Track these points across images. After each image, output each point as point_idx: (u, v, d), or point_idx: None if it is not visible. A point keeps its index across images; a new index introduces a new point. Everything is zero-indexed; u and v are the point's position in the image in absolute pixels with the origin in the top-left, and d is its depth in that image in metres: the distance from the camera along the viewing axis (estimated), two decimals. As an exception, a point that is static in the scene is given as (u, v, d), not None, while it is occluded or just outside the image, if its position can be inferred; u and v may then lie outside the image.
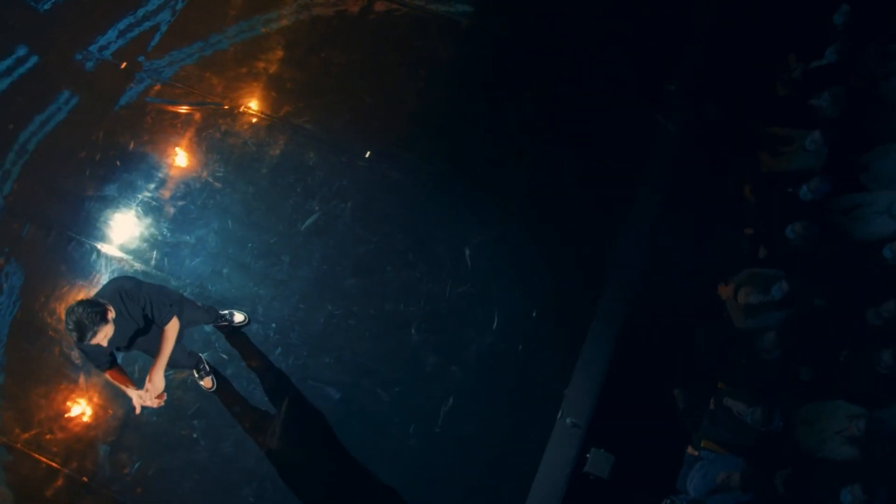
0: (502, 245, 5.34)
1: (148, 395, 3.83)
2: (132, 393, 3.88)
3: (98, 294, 3.67)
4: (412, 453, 4.80)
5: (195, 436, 4.91)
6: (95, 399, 5.00)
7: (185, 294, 4.82)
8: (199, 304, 4.68)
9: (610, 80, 5.85)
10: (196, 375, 4.91)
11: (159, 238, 5.45)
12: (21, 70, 6.04)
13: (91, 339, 3.42)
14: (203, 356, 4.96)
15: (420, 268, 5.30)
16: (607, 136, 5.66)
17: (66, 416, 4.98)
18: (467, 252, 5.33)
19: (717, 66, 5.85)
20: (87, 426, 4.95)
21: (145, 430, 4.92)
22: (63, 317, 4.86)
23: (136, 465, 4.85)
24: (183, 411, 4.97)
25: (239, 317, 5.07)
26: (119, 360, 4.03)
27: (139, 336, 3.86)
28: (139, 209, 5.54)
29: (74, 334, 3.39)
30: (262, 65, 6.01)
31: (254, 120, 5.81)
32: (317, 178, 5.61)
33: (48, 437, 4.95)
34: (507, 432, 4.84)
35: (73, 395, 5.01)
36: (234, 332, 5.08)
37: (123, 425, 4.95)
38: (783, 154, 5.96)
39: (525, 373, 4.99)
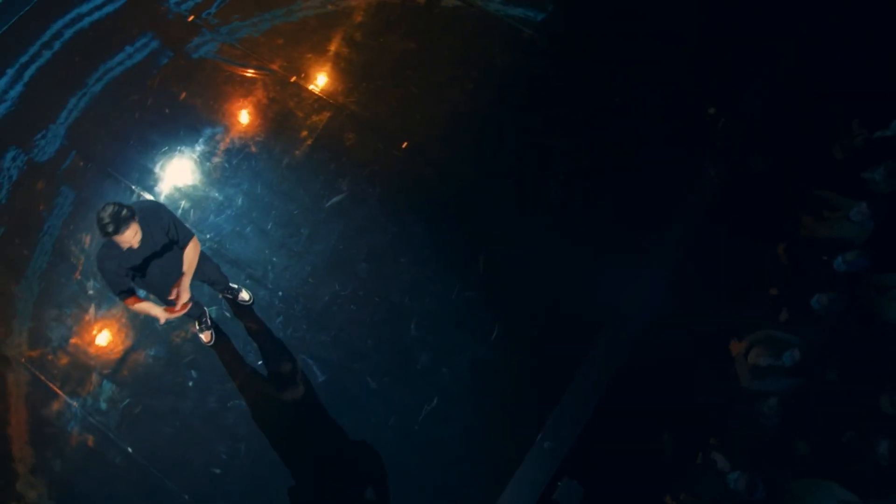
0: (518, 259, 5.30)
1: (174, 310, 3.96)
2: (157, 311, 3.97)
3: None
4: (387, 445, 4.82)
5: (185, 385, 5.03)
6: (100, 332, 5.18)
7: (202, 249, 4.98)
8: (216, 262, 4.81)
9: (661, 113, 5.74)
10: (197, 327, 5.04)
11: (190, 189, 5.60)
12: (109, 9, 6.28)
13: (124, 231, 3.52)
14: (208, 311, 5.08)
15: (432, 266, 5.31)
16: (647, 170, 5.56)
17: (70, 342, 5.17)
18: (482, 259, 5.32)
19: (772, 117, 5.68)
20: (88, 355, 5.13)
21: (140, 371, 5.07)
22: (87, 245, 5.08)
23: (125, 402, 5.00)
24: (178, 359, 5.10)
25: (245, 295, 5.17)
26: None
27: (155, 260, 3.95)
28: (177, 158, 5.71)
29: (110, 226, 3.48)
30: (321, 41, 6.11)
31: (302, 93, 5.91)
32: (351, 159, 5.67)
33: (50, 357, 5.15)
34: (483, 443, 4.81)
35: (81, 324, 5.20)
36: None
37: (121, 361, 5.11)
38: (826, 220, 5.75)
39: (513, 389, 4.95)
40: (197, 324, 5.03)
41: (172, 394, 5.02)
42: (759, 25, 5.97)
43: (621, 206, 5.44)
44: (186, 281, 4.02)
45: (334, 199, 5.52)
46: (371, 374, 5.02)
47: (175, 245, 4.02)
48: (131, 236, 3.61)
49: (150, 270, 4.00)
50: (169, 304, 4.09)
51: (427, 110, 5.82)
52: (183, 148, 5.75)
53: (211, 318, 5.09)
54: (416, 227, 5.43)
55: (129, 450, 4.87)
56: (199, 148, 5.75)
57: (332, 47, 6.09)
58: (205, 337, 5.06)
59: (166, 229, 3.92)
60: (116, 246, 3.70)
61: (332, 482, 4.74)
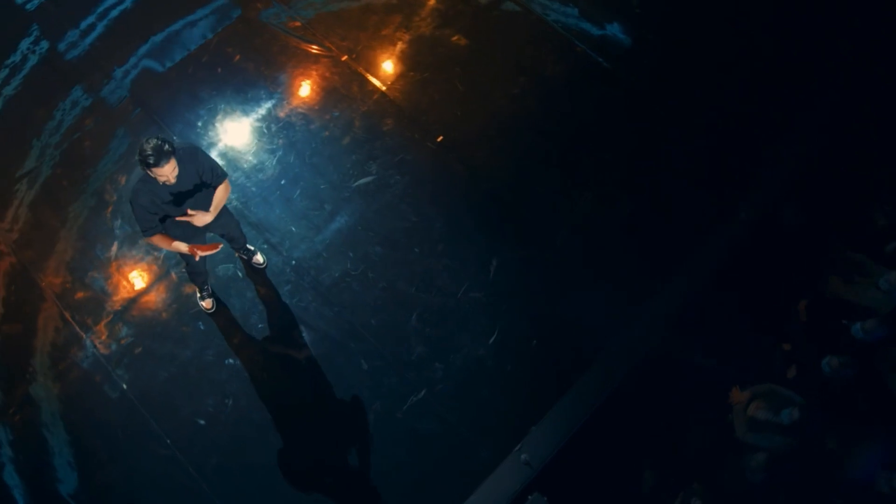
0: (530, 269, 5.30)
1: (197, 247, 4.11)
2: (181, 246, 4.11)
3: None
4: (367, 427, 4.87)
5: (187, 335, 5.18)
6: (119, 269, 5.37)
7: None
8: (237, 220, 4.94)
9: (704, 150, 5.65)
10: (198, 295, 5.16)
11: (227, 148, 5.76)
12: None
13: (163, 165, 3.66)
14: (223, 268, 5.23)
15: (444, 261, 5.34)
16: (678, 204, 5.48)
17: (89, 274, 5.37)
18: (494, 263, 5.33)
19: (816, 169, 5.54)
20: (103, 290, 5.32)
21: (148, 314, 5.24)
22: (122, 184, 5.27)
23: (129, 341, 5.18)
24: (186, 309, 5.25)
25: (259, 258, 5.29)
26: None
27: (188, 200, 4.07)
28: (220, 117, 5.88)
29: (151, 158, 3.62)
30: (378, 26, 6.20)
31: (350, 73, 6.01)
32: (385, 144, 5.75)
33: (68, 286, 5.36)
34: (461, 443, 4.82)
35: (103, 261, 5.40)
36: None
37: (132, 301, 5.29)
38: (855, 284, 5.58)
39: (502, 395, 4.95)
40: (198, 291, 5.15)
41: (173, 341, 5.17)
42: (817, 74, 5.82)
43: (644, 237, 5.38)
44: (212, 214, 4.16)
45: (362, 181, 5.60)
46: (365, 355, 5.08)
47: (207, 188, 4.15)
48: (169, 171, 3.74)
49: (186, 207, 4.11)
50: (195, 241, 4.24)
51: (468, 109, 5.86)
52: (227, 108, 5.91)
53: (212, 288, 5.19)
54: (436, 220, 5.47)
55: (124, 386, 5.04)
56: (242, 110, 5.91)
57: (388, 34, 6.18)
58: (206, 304, 5.18)
59: (201, 172, 4.06)
60: (152, 181, 3.85)
61: (307, 451, 4.82)
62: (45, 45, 6.20)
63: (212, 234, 4.73)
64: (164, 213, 4.04)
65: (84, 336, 5.19)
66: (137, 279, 5.34)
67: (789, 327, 5.59)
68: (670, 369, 5.17)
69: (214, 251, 4.18)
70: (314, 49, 6.11)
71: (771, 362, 5.47)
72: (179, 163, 3.86)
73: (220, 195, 4.20)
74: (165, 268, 5.33)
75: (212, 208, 4.18)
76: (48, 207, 5.55)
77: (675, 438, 5.21)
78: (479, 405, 4.93)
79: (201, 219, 4.10)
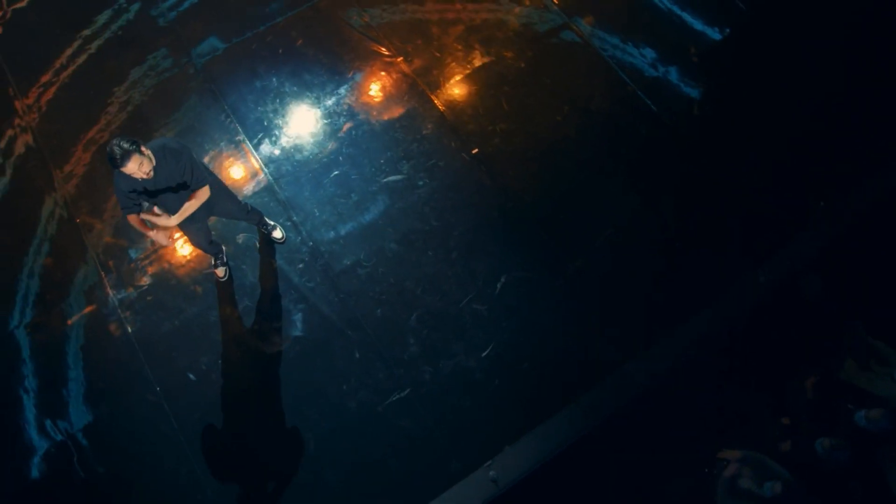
0: (537, 292, 5.30)
1: (159, 232, 4.26)
2: (150, 234, 4.28)
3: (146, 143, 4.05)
4: (347, 412, 4.95)
5: (197, 293, 5.37)
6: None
7: (256, 184, 5.37)
8: (244, 203, 5.11)
9: (731, 209, 5.57)
10: (212, 263, 5.35)
11: (271, 124, 5.98)
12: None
13: (126, 164, 3.81)
14: (240, 238, 5.42)
15: (455, 269, 5.40)
16: (697, 256, 5.41)
17: (123, 222, 5.63)
18: (503, 279, 5.36)
19: (848, 244, 5.40)
20: (131, 239, 5.57)
21: (166, 265, 5.46)
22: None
23: (143, 289, 5.40)
24: (201, 269, 5.45)
25: (278, 234, 5.46)
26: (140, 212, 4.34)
27: (168, 194, 4.22)
28: (270, 95, 6.11)
29: (115, 160, 3.77)
30: (438, 36, 6.36)
31: (402, 74, 6.18)
32: (421, 147, 5.87)
33: (99, 227, 5.63)
34: (433, 448, 4.84)
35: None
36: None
37: (154, 253, 5.52)
38: (870, 371, 5.40)
39: (483, 410, 4.95)
40: (213, 260, 5.34)
41: (183, 296, 5.37)
42: (866, 154, 5.69)
43: (657, 283, 5.32)
44: (176, 219, 4.26)
45: (391, 178, 5.73)
46: (359, 345, 5.17)
47: (187, 188, 4.26)
48: (135, 168, 3.86)
49: (162, 202, 4.25)
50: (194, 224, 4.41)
51: (509, 127, 5.94)
52: (280, 88, 6.14)
53: (226, 257, 5.37)
54: (455, 228, 5.54)
55: (129, 329, 5.26)
56: (293, 92, 6.13)
57: (445, 45, 6.33)
58: (219, 272, 5.36)
59: (183, 170, 4.17)
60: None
61: (283, 426, 4.92)
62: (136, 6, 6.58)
63: (216, 218, 4.90)
64: (144, 200, 4.19)
65: (104, 277, 5.44)
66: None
67: (793, 401, 5.43)
68: (660, 416, 5.08)
69: (165, 241, 4.31)
70: (373, 47, 6.30)
71: (767, 432, 5.32)
72: (160, 159, 4.02)
73: (192, 201, 4.28)
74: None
75: (177, 213, 4.26)
76: (102, 155, 5.84)
77: (652, 486, 5.10)
78: (459, 414, 4.95)
79: (165, 222, 4.22)
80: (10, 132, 6.03)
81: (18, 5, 6.64)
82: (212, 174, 4.60)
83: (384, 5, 6.50)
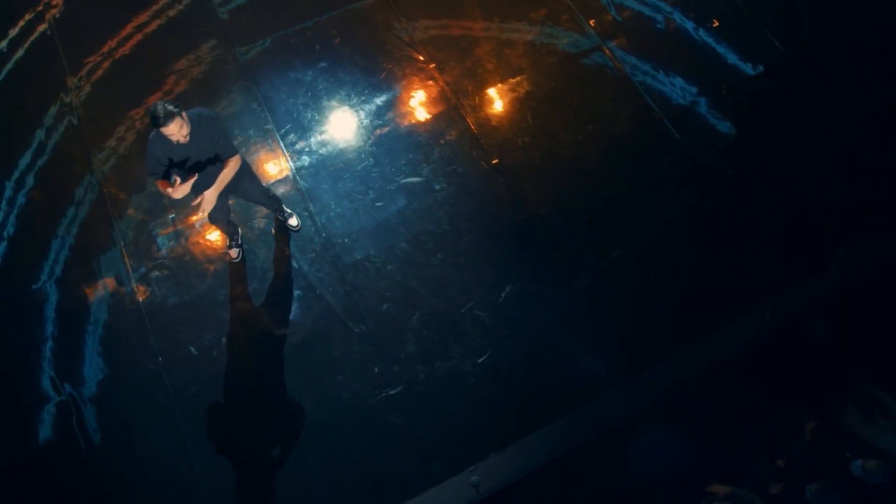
0: (539, 305, 5.33)
1: (201, 204, 4.41)
2: (175, 193, 4.32)
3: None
4: (338, 401, 5.02)
5: (209, 271, 5.51)
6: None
7: (279, 172, 5.55)
8: (266, 187, 5.24)
9: (741, 246, 5.53)
10: (227, 243, 5.49)
11: (300, 116, 6.14)
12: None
13: (170, 123, 3.98)
14: (257, 223, 5.56)
15: (461, 274, 5.46)
16: (701, 285, 5.38)
17: (146, 193, 5.82)
18: (507, 289, 5.39)
19: (859, 292, 5.32)
20: (152, 212, 5.76)
21: (182, 242, 5.63)
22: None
23: (157, 262, 5.57)
24: (216, 249, 5.60)
25: (293, 221, 5.59)
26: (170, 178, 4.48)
27: (196, 163, 4.37)
28: (303, 88, 6.28)
29: (158, 119, 3.94)
30: (470, 47, 6.48)
31: (432, 80, 6.30)
32: (443, 152, 5.96)
33: (123, 197, 5.83)
34: (418, 447, 4.87)
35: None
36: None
37: (173, 228, 5.69)
38: (873, 423, 5.29)
39: (473, 415, 4.97)
40: (228, 240, 5.47)
41: (195, 273, 5.52)
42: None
43: (659, 306, 5.30)
44: (214, 192, 4.40)
45: (409, 179, 5.83)
46: (359, 338, 5.24)
47: (219, 159, 4.42)
48: (176, 129, 4.03)
49: (193, 171, 4.38)
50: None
51: (532, 142, 6.00)
52: (313, 82, 6.31)
53: (241, 239, 5.51)
54: (466, 234, 5.61)
55: (140, 299, 5.41)
56: (324, 87, 6.29)
57: (479, 57, 6.43)
58: (232, 253, 5.48)
59: (215, 140, 4.33)
60: (166, 136, 4.15)
61: (274, 408, 5.01)
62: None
63: (236, 198, 5.04)
64: (171, 166, 4.33)
65: (120, 244, 5.62)
66: (183, 209, 5.74)
67: (790, 444, 5.34)
68: (650, 440, 5.03)
69: (204, 214, 4.46)
70: (408, 52, 6.44)
71: (759, 472, 5.23)
72: (195, 126, 4.18)
73: (226, 170, 4.44)
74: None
75: (216, 184, 4.40)
76: (139, 135, 6.05)
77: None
78: (448, 417, 4.98)
79: (208, 199, 4.36)
80: (55, 107, 6.28)
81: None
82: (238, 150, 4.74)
83: (426, 18, 6.63)
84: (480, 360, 5.15)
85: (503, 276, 5.45)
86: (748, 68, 6.28)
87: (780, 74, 6.24)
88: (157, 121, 3.98)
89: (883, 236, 5.49)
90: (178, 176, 4.25)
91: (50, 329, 5.31)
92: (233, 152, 4.46)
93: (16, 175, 5.97)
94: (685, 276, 5.37)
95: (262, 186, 5.16)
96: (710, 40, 6.44)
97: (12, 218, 5.79)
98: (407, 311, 5.35)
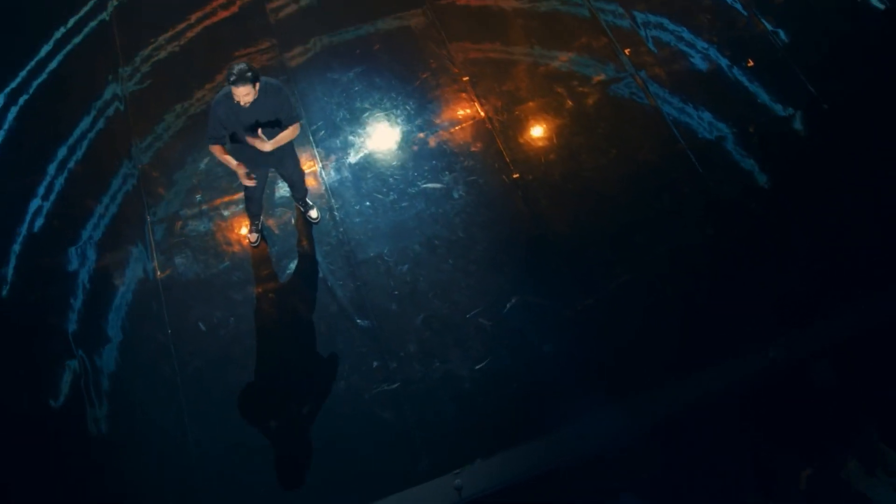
0: (543, 319, 5.37)
1: (241, 166, 4.62)
2: (233, 163, 4.64)
3: None
4: (333, 393, 5.10)
5: (226, 252, 5.69)
6: (200, 180, 6.02)
7: (305, 166, 5.80)
8: (303, 171, 5.43)
9: (753, 279, 5.50)
10: (249, 225, 5.66)
11: (332, 114, 6.35)
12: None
13: (239, 86, 4.19)
14: (280, 211, 5.75)
15: (470, 281, 5.54)
16: (710, 317, 5.36)
17: (176, 174, 6.06)
18: (513, 300, 5.45)
19: (871, 341, 5.25)
20: (179, 192, 5.98)
21: (205, 223, 5.83)
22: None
23: (179, 239, 5.77)
24: (236, 232, 5.79)
25: (314, 213, 5.76)
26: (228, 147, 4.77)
27: (257, 125, 4.55)
28: (338, 89, 6.50)
29: (233, 77, 4.16)
30: (507, 66, 6.63)
31: (463, 91, 6.46)
32: (466, 162, 6.09)
33: (155, 175, 6.07)
34: (407, 444, 4.92)
35: (191, 167, 6.09)
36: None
37: (198, 208, 5.90)
38: (873, 477, 5.18)
39: (464, 418, 5.01)
40: (250, 223, 5.64)
41: (213, 253, 5.71)
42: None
43: (664, 336, 5.30)
44: (271, 144, 4.59)
45: (430, 185, 5.95)
46: (362, 332, 5.34)
47: (279, 126, 4.64)
48: (243, 94, 4.26)
49: (247, 133, 4.60)
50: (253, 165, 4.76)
51: (554, 160, 6.08)
52: (348, 84, 6.52)
53: (262, 226, 5.68)
54: (480, 243, 5.69)
55: (158, 273, 5.61)
56: (358, 90, 6.49)
57: (513, 75, 6.57)
58: (251, 237, 5.66)
59: (279, 108, 4.56)
60: (232, 98, 4.38)
61: (272, 391, 5.13)
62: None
63: (273, 171, 5.22)
64: (233, 129, 4.56)
65: (147, 220, 5.85)
66: (210, 192, 5.95)
67: (783, 489, 5.24)
68: (635, 474, 5.00)
69: (247, 178, 4.67)
70: (444, 64, 6.61)
71: (748, 514, 5.15)
72: (261, 93, 4.39)
73: (285, 133, 4.67)
74: (236, 188, 5.89)
75: (273, 140, 4.62)
76: (182, 128, 6.33)
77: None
78: (440, 418, 5.02)
79: (262, 145, 4.57)
80: (104, 92, 6.57)
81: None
82: None
83: (466, 36, 6.78)
84: (478, 367, 5.20)
85: (510, 288, 5.50)
86: (779, 109, 6.30)
87: (810, 118, 6.24)
88: (231, 77, 4.20)
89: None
90: (241, 135, 4.49)
91: (73, 291, 5.52)
92: (294, 119, 4.68)
93: (64, 148, 6.24)
94: (693, 306, 5.36)
95: (301, 170, 5.34)
96: (743, 79, 6.48)
97: (60, 180, 6.06)
98: (412, 312, 5.43)
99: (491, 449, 4.89)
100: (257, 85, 4.32)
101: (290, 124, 4.68)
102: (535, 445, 4.90)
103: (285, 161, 5.10)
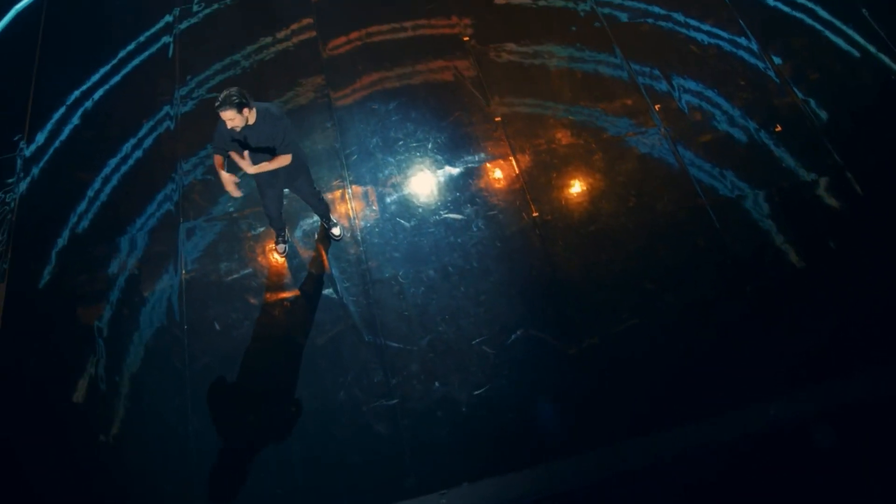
0: (546, 353, 5.45)
1: (229, 181, 4.88)
2: (223, 176, 4.90)
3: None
4: (332, 402, 5.24)
5: (250, 260, 5.96)
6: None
7: (334, 186, 6.12)
8: (318, 191, 5.70)
9: (760, 337, 5.50)
10: (275, 240, 5.93)
11: (365, 141, 6.66)
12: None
13: (226, 109, 4.46)
14: (306, 224, 6.02)
15: (478, 310, 5.67)
16: (713, 371, 5.37)
17: (211, 185, 6.40)
18: (518, 332, 5.55)
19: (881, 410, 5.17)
20: (213, 198, 6.31)
21: (233, 230, 6.13)
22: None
23: (207, 242, 6.06)
24: (262, 242, 6.06)
25: (336, 231, 6.02)
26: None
27: (255, 152, 4.84)
28: (375, 118, 6.83)
29: (217, 101, 4.46)
30: (538, 108, 6.88)
31: (495, 130, 6.71)
32: (488, 196, 6.29)
33: (195, 181, 6.42)
34: (397, 460, 5.00)
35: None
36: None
37: (228, 216, 6.20)
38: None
39: (457, 441, 5.08)
40: (276, 235, 5.91)
41: (237, 259, 5.98)
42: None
43: (662, 382, 5.31)
44: (254, 168, 4.81)
45: (451, 215, 6.16)
46: (368, 347, 5.50)
47: (271, 152, 4.86)
48: (228, 118, 4.50)
49: (250, 155, 4.83)
50: (268, 185, 5.09)
51: (574, 203, 6.24)
52: (385, 115, 6.84)
53: (288, 237, 5.95)
54: (492, 275, 5.84)
55: (183, 272, 5.89)
56: (394, 120, 6.80)
57: (544, 122, 6.81)
58: (278, 249, 5.93)
59: (273, 136, 4.78)
60: None
61: (273, 395, 5.29)
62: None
63: (287, 191, 5.49)
64: (229, 147, 4.81)
65: (180, 222, 6.17)
66: (241, 201, 6.26)
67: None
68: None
69: (234, 190, 4.91)
70: (478, 103, 6.90)
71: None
72: (259, 119, 4.66)
73: (273, 160, 4.86)
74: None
75: (257, 165, 4.83)
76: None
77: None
78: (433, 438, 5.10)
79: (245, 165, 4.77)
80: (159, 110, 7.04)
81: (191, 19, 7.88)
82: (302, 152, 5.23)
83: (505, 86, 7.05)
84: (476, 393, 5.29)
85: (517, 320, 5.61)
86: (802, 174, 6.36)
87: (834, 187, 6.28)
88: (217, 102, 4.48)
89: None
90: (237, 154, 4.73)
91: (105, 284, 5.84)
92: (287, 151, 4.89)
93: (116, 158, 6.68)
94: (697, 356, 5.38)
95: (314, 189, 5.61)
96: (769, 142, 6.58)
97: (107, 188, 6.48)
98: (419, 333, 5.57)
99: (479, 474, 4.93)
100: (245, 111, 4.53)
101: (283, 154, 4.88)
102: (521, 476, 4.93)
103: (297, 182, 5.35)
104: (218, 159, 4.90)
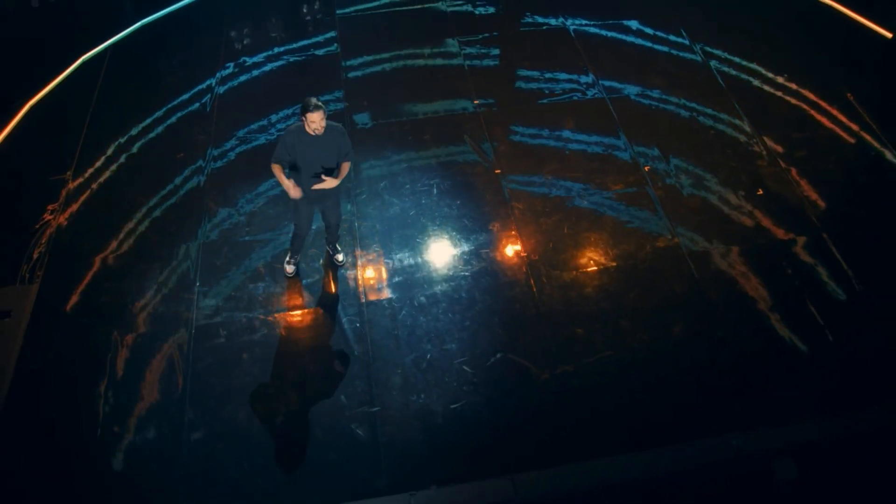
0: (522, 378, 5.78)
1: (294, 186, 5.50)
2: (287, 184, 5.48)
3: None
4: (317, 404, 5.62)
5: (262, 275, 6.53)
6: (259, 207, 7.02)
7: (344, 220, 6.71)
8: (341, 215, 6.31)
9: (736, 377, 5.77)
10: (287, 258, 6.51)
11: (374, 184, 7.35)
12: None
13: (314, 112, 5.11)
14: (311, 250, 6.62)
15: (463, 334, 6.08)
16: (685, 405, 5.63)
17: (245, 198, 7.08)
18: (497, 356, 5.92)
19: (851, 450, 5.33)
20: (238, 214, 6.96)
21: (251, 247, 6.74)
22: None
23: (222, 253, 6.66)
24: (277, 263, 6.64)
25: (340, 257, 6.59)
26: (287, 172, 5.59)
27: (317, 161, 5.45)
28: (384, 163, 7.51)
29: (310, 105, 5.06)
30: (538, 165, 7.52)
31: (496, 183, 7.33)
32: (482, 237, 6.82)
33: (212, 207, 7.11)
34: (371, 462, 5.28)
35: (254, 194, 7.14)
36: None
37: (249, 235, 6.83)
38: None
39: (430, 449, 5.36)
40: (289, 255, 6.49)
41: (249, 275, 6.56)
42: None
43: (631, 413, 5.58)
44: (335, 181, 5.53)
45: (453, 272, 6.64)
46: (356, 359, 5.93)
47: (335, 162, 5.55)
48: (318, 119, 5.16)
49: (308, 164, 5.48)
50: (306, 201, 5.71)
51: (562, 248, 6.73)
52: (394, 162, 7.54)
53: (298, 258, 6.51)
54: (479, 304, 6.29)
55: (198, 284, 6.47)
56: (401, 170, 7.50)
57: (542, 173, 7.43)
58: (288, 269, 6.48)
59: (339, 144, 5.48)
60: (303, 130, 5.30)
61: (269, 388, 5.73)
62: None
63: (320, 209, 6.09)
64: (296, 157, 5.43)
65: (199, 238, 6.81)
66: (266, 221, 6.92)
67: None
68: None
69: (294, 190, 5.50)
70: (480, 153, 7.56)
71: None
72: (326, 130, 5.32)
73: (345, 167, 5.64)
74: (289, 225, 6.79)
75: (338, 174, 5.58)
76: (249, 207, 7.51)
77: None
78: (407, 443, 5.40)
79: (329, 183, 5.49)
80: (191, 166, 7.86)
81: (231, 82, 8.86)
82: None
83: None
84: (453, 406, 5.61)
85: (498, 345, 6.00)
86: (780, 234, 6.78)
87: (810, 245, 6.67)
88: (307, 106, 5.14)
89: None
90: (301, 164, 5.44)
91: (127, 287, 6.45)
92: (349, 158, 5.64)
93: (145, 207, 7.45)
94: (665, 389, 5.66)
95: (339, 213, 6.22)
96: (748, 204, 7.05)
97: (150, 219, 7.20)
98: (405, 350, 5.98)
99: (447, 480, 5.19)
100: (325, 121, 5.24)
101: (346, 161, 5.60)
102: (487, 484, 5.16)
103: (328, 200, 5.94)
104: (277, 168, 5.49)
